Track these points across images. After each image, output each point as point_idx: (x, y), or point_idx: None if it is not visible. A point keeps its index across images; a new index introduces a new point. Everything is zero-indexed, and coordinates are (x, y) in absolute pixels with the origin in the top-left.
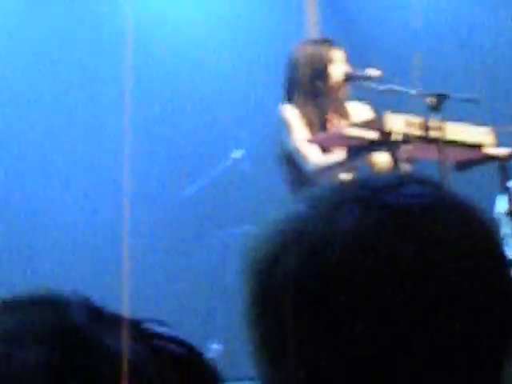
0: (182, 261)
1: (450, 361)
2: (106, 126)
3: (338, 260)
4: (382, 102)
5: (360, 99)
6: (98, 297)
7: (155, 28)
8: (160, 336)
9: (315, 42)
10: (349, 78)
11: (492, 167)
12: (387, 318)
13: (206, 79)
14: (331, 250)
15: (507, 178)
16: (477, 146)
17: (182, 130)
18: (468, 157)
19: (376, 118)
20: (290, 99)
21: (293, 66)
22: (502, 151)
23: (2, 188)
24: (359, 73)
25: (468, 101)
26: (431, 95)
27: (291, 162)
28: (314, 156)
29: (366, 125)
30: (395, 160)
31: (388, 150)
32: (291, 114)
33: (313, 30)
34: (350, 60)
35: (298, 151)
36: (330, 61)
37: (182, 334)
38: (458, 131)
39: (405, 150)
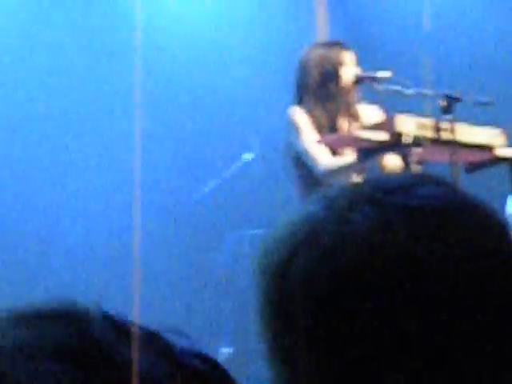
0: (192, 263)
1: (464, 360)
2: (116, 130)
3: (352, 261)
4: (393, 104)
5: (370, 101)
6: (109, 298)
7: (167, 30)
8: (183, 351)
9: (325, 44)
10: (359, 80)
11: (503, 169)
12: (401, 318)
13: (217, 82)
14: (345, 251)
15: None
16: (488, 148)
17: (192, 132)
18: (479, 158)
19: (387, 120)
20: (299, 102)
21: (303, 69)
22: None
23: (12, 196)
24: (369, 75)
25: (479, 103)
26: (442, 97)
27: (301, 164)
28: (323, 158)
29: (377, 127)
30: (406, 162)
31: (399, 152)
32: (300, 116)
33: (322, 32)
34: (359, 62)
35: (307, 153)
36: (340, 63)
37: (192, 337)
38: (469, 133)
39: (415, 152)
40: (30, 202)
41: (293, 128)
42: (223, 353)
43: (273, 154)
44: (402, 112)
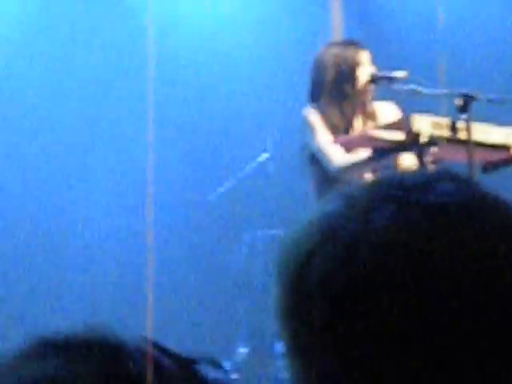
0: (208, 263)
1: (487, 357)
2: (131, 131)
3: (372, 260)
4: (408, 104)
5: (386, 100)
6: (124, 297)
7: (180, 31)
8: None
9: (341, 43)
10: (375, 80)
11: None
12: (423, 316)
13: (231, 83)
14: (364, 250)
15: None
16: (504, 147)
17: (208, 133)
18: (495, 158)
19: (403, 120)
20: (314, 101)
21: (318, 68)
22: None
23: (25, 199)
24: (385, 74)
25: (495, 101)
26: (458, 96)
27: (316, 163)
28: (337, 155)
29: (393, 126)
30: (422, 162)
31: (414, 152)
32: (315, 116)
33: (337, 32)
34: (375, 61)
35: (321, 152)
36: (356, 63)
37: (208, 338)
38: (485, 132)
39: (431, 152)
40: (44, 202)
41: (307, 128)
42: (239, 353)
43: (288, 154)
44: (417, 111)
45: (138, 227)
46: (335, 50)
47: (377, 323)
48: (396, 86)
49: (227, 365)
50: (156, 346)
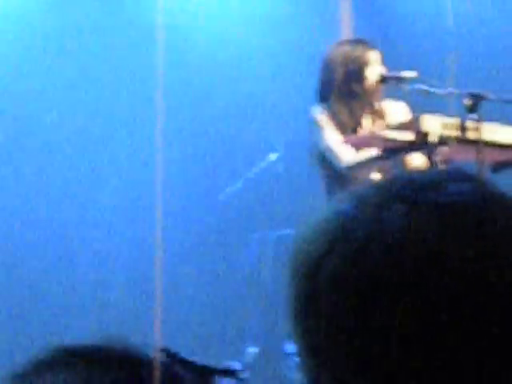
0: (217, 263)
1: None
2: (139, 131)
3: (385, 259)
4: (418, 104)
5: (395, 100)
6: (134, 298)
7: (190, 30)
8: None
9: (351, 42)
10: (384, 80)
11: None
12: (435, 315)
13: (240, 82)
14: (377, 249)
15: None
16: None
17: (216, 133)
18: (505, 158)
19: (412, 120)
20: (323, 99)
21: (327, 67)
22: None
23: (34, 209)
24: (394, 74)
25: (505, 101)
26: (468, 96)
27: (325, 162)
28: (346, 154)
29: (403, 126)
30: (431, 162)
31: (424, 152)
32: (323, 115)
33: (346, 31)
34: (384, 60)
35: (330, 150)
36: (365, 62)
37: (217, 338)
38: (495, 132)
39: (441, 152)
40: (54, 206)
41: (316, 127)
42: (249, 353)
43: (297, 154)
44: (426, 111)
45: (147, 228)
46: (344, 49)
47: (389, 323)
48: (405, 86)
49: (237, 365)
50: (174, 356)
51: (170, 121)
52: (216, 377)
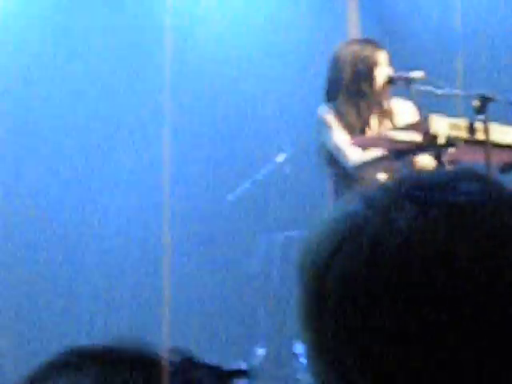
0: (225, 265)
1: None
2: (148, 132)
3: (396, 258)
4: (425, 104)
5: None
6: (141, 298)
7: (197, 31)
8: None
9: (360, 41)
10: (392, 81)
11: None
12: (445, 314)
13: (248, 83)
14: (387, 249)
15: None
16: None
17: (224, 134)
18: None
19: (420, 121)
20: (331, 99)
21: (336, 65)
22: None
23: (46, 205)
24: (402, 75)
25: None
26: (475, 97)
27: (333, 161)
28: (353, 153)
29: (410, 127)
30: (440, 163)
31: (432, 153)
32: (331, 114)
33: (354, 31)
34: (391, 60)
35: (338, 150)
36: (374, 63)
37: (226, 339)
38: (503, 133)
39: (449, 153)
40: (62, 205)
41: (323, 127)
42: (257, 354)
43: (305, 155)
44: (433, 112)
45: (155, 228)
46: (353, 48)
47: (399, 323)
48: (413, 87)
49: (243, 365)
50: (189, 357)
51: (177, 122)
52: (233, 379)
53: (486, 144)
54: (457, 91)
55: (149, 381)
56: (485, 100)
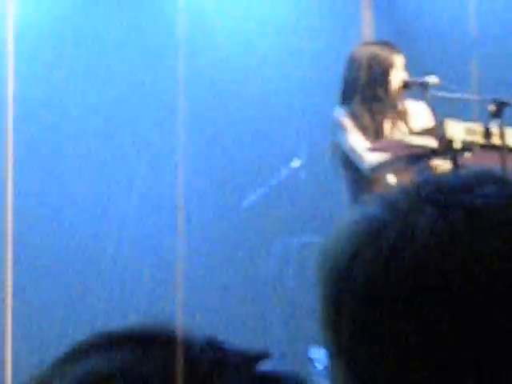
0: (240, 270)
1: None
2: (162, 136)
3: (416, 262)
4: (440, 109)
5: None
6: (156, 301)
7: (210, 35)
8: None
9: (377, 43)
10: (407, 86)
11: None
12: (466, 317)
13: (263, 88)
14: (408, 252)
15: None
16: None
17: (240, 139)
18: None
19: (436, 125)
20: (346, 100)
21: (352, 66)
22: None
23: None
24: (417, 80)
25: None
26: (490, 102)
27: (349, 165)
28: (369, 155)
29: (426, 132)
30: (456, 167)
31: (448, 158)
32: (346, 117)
33: (368, 32)
34: (407, 64)
35: (353, 151)
36: (390, 65)
37: (239, 344)
38: None
39: (465, 157)
40: (79, 208)
41: (339, 129)
42: (272, 358)
43: (320, 160)
44: (448, 116)
45: (170, 234)
46: (370, 49)
47: (419, 325)
48: (428, 92)
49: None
50: (219, 343)
51: (192, 128)
52: (258, 361)
53: (501, 149)
54: (472, 96)
55: (176, 360)
56: (500, 104)
